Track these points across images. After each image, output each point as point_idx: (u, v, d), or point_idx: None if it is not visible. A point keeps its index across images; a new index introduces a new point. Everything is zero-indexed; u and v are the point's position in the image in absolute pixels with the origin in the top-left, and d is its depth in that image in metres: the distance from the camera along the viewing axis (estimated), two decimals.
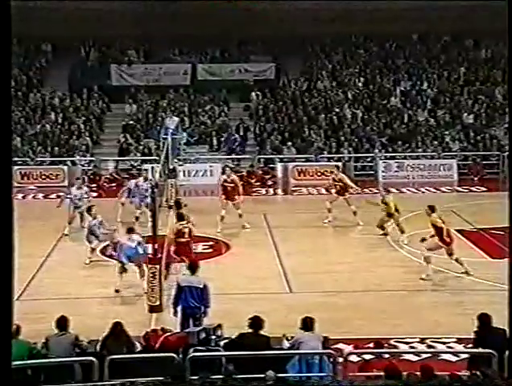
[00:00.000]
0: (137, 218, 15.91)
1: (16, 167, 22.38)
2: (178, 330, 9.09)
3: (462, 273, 12.49)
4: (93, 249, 13.56)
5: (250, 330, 8.02)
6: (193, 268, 9.83)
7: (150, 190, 13.17)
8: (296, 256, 13.86)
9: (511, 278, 3.99)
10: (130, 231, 12.31)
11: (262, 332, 8.01)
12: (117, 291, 11.70)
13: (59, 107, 25.39)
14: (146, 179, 16.55)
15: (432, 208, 12.82)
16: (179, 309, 9.54)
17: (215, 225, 15.61)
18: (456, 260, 12.56)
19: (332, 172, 18.11)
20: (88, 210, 14.21)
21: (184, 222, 12.37)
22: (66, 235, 15.33)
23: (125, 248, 11.85)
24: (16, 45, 27.68)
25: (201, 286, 9.49)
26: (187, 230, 12.25)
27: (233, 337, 8.17)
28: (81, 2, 26.06)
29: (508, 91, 21.43)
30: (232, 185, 15.99)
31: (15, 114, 24.63)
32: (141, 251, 11.83)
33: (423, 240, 12.79)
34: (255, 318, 8.08)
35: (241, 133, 24.63)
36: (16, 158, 22.83)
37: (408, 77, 27.38)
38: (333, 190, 16.69)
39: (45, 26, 26.43)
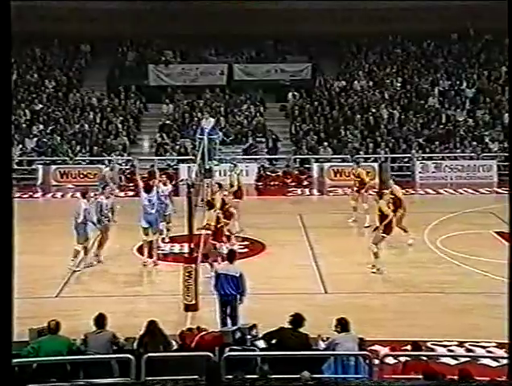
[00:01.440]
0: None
1: (55, 166, 22.81)
2: (214, 329, 9.13)
3: (373, 267, 12.63)
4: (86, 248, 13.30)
5: (290, 327, 8.05)
6: (231, 257, 10.13)
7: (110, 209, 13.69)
8: (331, 256, 13.80)
9: (511, 279, 3.92)
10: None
11: (301, 330, 8.02)
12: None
13: (98, 107, 25.74)
14: (108, 197, 14.00)
15: (381, 195, 12.96)
16: (216, 296, 9.88)
17: (250, 225, 15.65)
18: (376, 254, 12.64)
19: (352, 168, 18.05)
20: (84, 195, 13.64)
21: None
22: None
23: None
24: (56, 46, 28.24)
25: (237, 275, 9.76)
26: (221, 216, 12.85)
27: (273, 329, 8.20)
28: (119, 2, 26.41)
29: (508, 91, 21.09)
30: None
31: (55, 114, 25.10)
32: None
33: (376, 228, 12.92)
34: (296, 315, 8.11)
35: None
36: (55, 158, 23.28)
37: (447, 77, 27.03)
38: (354, 188, 16.69)
39: (84, 27, 26.88)
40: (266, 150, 24.21)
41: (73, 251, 13.01)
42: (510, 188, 4.12)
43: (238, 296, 9.74)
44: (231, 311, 9.73)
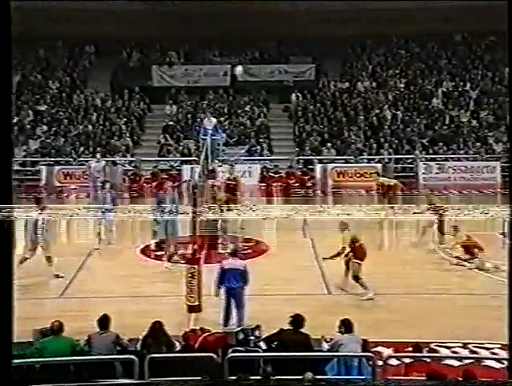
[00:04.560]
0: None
1: (59, 167, 22.84)
2: (218, 330, 9.15)
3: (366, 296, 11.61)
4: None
5: (290, 328, 8.07)
6: (234, 252, 10.82)
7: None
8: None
9: (511, 279, 3.94)
10: None
11: (301, 331, 8.03)
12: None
13: (101, 108, 25.78)
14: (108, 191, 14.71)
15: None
16: (222, 290, 10.27)
17: (254, 226, 15.69)
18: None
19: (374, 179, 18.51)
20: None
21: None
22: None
23: None
24: (60, 47, 28.29)
25: (242, 268, 10.29)
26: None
27: (273, 332, 8.23)
28: (123, 3, 26.46)
29: (508, 90, 21.05)
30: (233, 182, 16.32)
31: (59, 115, 25.14)
32: None
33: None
34: (296, 316, 8.16)
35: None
36: (59, 158, 23.32)
37: (451, 78, 27.00)
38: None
39: (88, 29, 26.92)
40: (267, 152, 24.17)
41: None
42: (510, 188, 4.13)
43: (243, 285, 10.17)
44: (236, 304, 10.08)
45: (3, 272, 3.34)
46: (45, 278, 12.49)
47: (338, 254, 11.77)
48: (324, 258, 12.24)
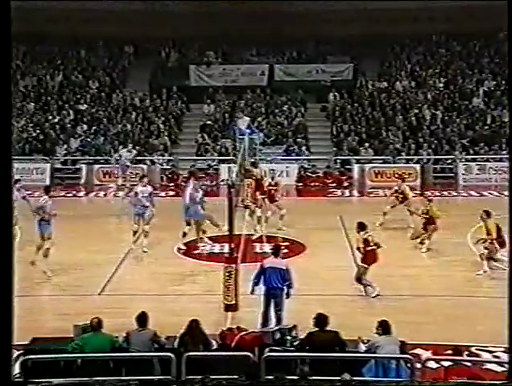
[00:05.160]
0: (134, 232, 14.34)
1: (98, 166, 23.16)
2: (254, 329, 9.15)
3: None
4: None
5: (317, 329, 8.05)
6: (276, 251, 10.48)
7: (148, 197, 14.07)
8: None
9: (511, 279, 3.82)
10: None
11: (328, 328, 8.01)
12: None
13: (140, 107, 26.05)
14: (144, 186, 14.50)
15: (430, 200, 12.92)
16: (261, 291, 10.01)
17: (290, 226, 15.66)
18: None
19: (396, 184, 16.87)
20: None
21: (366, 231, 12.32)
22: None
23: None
24: (100, 47, 28.70)
25: (284, 267, 9.97)
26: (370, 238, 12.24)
27: (302, 337, 8.21)
28: (162, 2, 26.69)
29: (508, 90, 20.48)
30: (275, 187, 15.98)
31: (99, 114, 25.51)
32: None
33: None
34: (319, 316, 8.12)
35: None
36: (99, 157, 23.65)
37: (492, 77, 26.51)
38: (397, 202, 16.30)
39: (127, 29, 27.24)
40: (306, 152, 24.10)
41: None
42: (511, 188, 4.01)
43: (285, 289, 9.88)
44: (276, 305, 9.84)
45: (2, 270, 3.37)
46: (83, 275, 12.68)
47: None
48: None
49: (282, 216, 15.88)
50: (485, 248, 12.82)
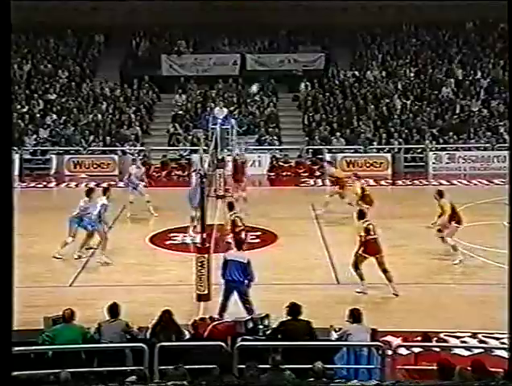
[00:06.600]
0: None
1: (69, 156, 22.93)
2: (227, 319, 9.17)
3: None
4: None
5: (289, 318, 8.10)
6: (239, 244, 10.44)
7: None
8: (344, 246, 13.68)
9: (511, 278, 3.89)
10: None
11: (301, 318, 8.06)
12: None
13: (111, 97, 25.80)
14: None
15: (441, 194, 12.82)
16: (223, 281, 9.98)
17: (262, 215, 15.69)
18: (454, 247, 12.59)
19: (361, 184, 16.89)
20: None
21: (234, 212, 12.71)
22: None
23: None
24: (70, 36, 28.31)
25: (245, 261, 9.85)
26: (238, 219, 12.66)
27: (274, 327, 8.25)
28: None
29: (508, 89, 20.85)
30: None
31: (69, 104, 25.19)
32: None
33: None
34: (292, 305, 8.16)
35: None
36: (69, 148, 23.40)
37: (462, 66, 26.80)
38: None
39: (98, 17, 26.91)
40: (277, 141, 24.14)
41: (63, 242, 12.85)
42: (510, 187, 4.07)
43: (246, 281, 9.80)
44: (240, 297, 9.79)
45: (3, 266, 3.33)
46: (54, 266, 12.57)
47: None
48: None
49: (245, 199, 15.96)
50: (439, 231, 12.79)
